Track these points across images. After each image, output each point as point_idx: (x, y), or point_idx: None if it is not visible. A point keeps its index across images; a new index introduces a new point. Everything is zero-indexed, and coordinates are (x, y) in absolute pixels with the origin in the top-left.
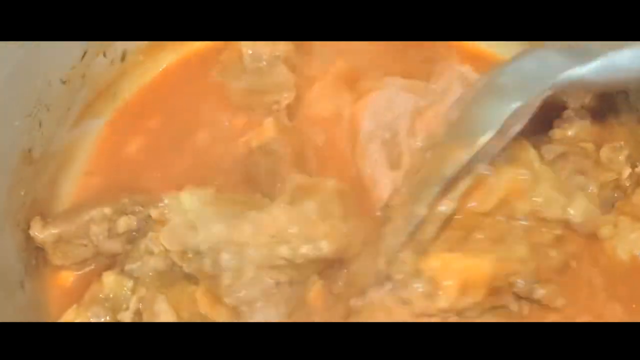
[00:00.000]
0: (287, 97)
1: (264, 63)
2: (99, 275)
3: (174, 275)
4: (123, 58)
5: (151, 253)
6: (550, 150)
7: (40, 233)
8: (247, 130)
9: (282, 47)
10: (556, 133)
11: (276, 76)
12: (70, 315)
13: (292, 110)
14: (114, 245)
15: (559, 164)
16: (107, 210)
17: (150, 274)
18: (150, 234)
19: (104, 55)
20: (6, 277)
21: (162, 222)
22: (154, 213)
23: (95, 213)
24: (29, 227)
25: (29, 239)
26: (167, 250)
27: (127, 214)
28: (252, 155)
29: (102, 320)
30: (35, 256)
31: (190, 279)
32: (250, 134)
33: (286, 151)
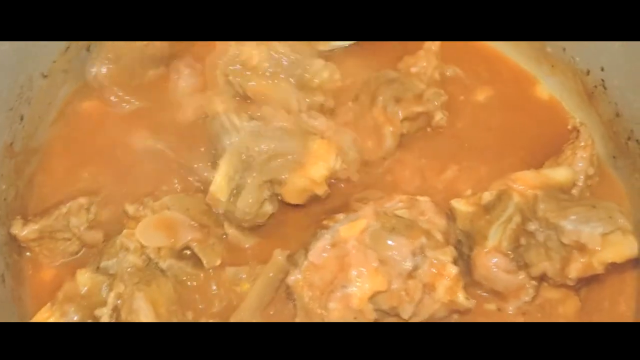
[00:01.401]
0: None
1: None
2: (72, 273)
3: (151, 272)
4: None
5: (127, 249)
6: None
7: (21, 231)
8: None
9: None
10: None
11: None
12: (44, 315)
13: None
14: (96, 236)
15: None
16: (82, 200)
17: (129, 269)
18: (125, 231)
19: (87, 50)
20: None
21: (136, 218)
22: (130, 209)
23: (71, 204)
24: (10, 224)
25: (10, 234)
26: (142, 247)
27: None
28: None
29: (76, 318)
30: (17, 251)
31: (166, 274)
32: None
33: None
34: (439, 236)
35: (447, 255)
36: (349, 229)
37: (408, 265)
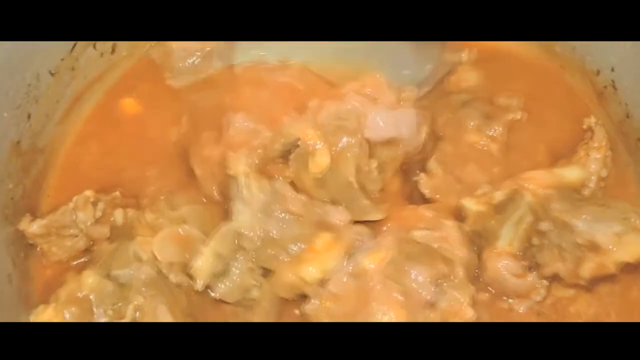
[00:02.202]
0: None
1: (196, 59)
2: (77, 272)
3: (164, 283)
4: (113, 51)
5: (139, 260)
6: (458, 99)
7: (29, 227)
8: None
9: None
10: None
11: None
12: (46, 313)
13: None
14: (102, 230)
15: (467, 110)
16: (88, 193)
17: (146, 281)
18: (138, 238)
19: (94, 47)
20: None
21: (152, 227)
22: (149, 217)
23: (77, 198)
24: (17, 222)
25: (17, 232)
26: (155, 258)
27: (121, 207)
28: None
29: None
30: (24, 250)
31: (179, 286)
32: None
33: None
34: (459, 270)
35: (465, 295)
36: (370, 260)
37: (428, 294)
